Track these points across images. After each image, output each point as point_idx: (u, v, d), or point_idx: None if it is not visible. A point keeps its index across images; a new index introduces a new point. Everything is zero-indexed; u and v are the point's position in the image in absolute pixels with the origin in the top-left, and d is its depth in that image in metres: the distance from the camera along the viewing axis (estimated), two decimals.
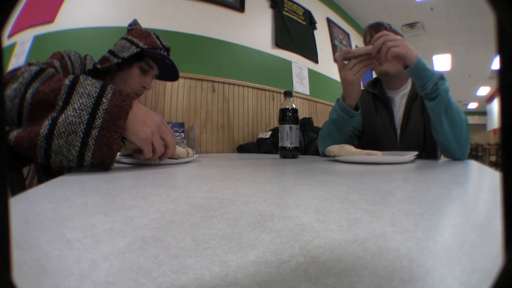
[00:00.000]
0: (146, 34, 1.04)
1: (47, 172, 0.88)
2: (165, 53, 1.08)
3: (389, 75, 1.18)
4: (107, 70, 1.01)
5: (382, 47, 0.91)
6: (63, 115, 0.58)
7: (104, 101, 0.61)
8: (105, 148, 0.60)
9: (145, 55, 1.04)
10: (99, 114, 0.59)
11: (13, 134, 0.58)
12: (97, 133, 0.59)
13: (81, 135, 0.58)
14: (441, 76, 0.89)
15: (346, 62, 1.03)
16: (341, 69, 1.03)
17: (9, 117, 0.60)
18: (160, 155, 0.71)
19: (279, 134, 1.11)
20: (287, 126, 1.08)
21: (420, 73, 0.89)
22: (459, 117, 0.92)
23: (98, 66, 0.97)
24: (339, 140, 1.14)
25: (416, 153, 0.86)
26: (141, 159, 0.71)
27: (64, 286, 0.13)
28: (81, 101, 0.59)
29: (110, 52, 1.00)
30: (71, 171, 0.87)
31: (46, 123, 0.57)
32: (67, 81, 0.61)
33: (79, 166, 0.60)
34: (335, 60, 1.06)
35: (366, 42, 1.26)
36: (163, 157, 0.73)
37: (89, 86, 0.62)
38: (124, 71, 1.03)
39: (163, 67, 1.11)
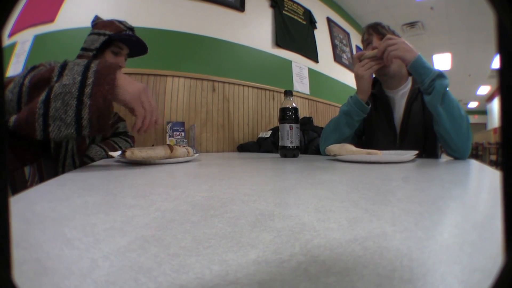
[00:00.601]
0: (109, 23, 1.16)
1: (46, 155, 0.91)
2: (130, 33, 1.20)
3: (388, 75, 1.18)
4: None
5: (385, 51, 1.01)
6: (58, 82, 0.62)
7: (93, 65, 0.65)
8: (100, 100, 0.62)
9: (114, 39, 1.13)
10: (90, 74, 0.63)
11: (13, 117, 0.61)
12: (90, 90, 0.62)
13: (76, 94, 0.61)
14: (440, 74, 0.94)
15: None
16: (355, 66, 1.14)
17: (10, 107, 0.63)
18: (146, 126, 0.73)
19: (279, 133, 1.11)
20: (287, 125, 1.08)
21: (418, 70, 0.96)
22: (459, 112, 0.94)
23: None
24: (346, 134, 1.18)
25: (416, 152, 0.86)
26: (137, 129, 0.73)
27: (65, 285, 0.13)
28: (73, 70, 0.64)
29: (83, 49, 1.10)
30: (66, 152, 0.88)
31: (43, 94, 0.60)
32: (59, 64, 0.66)
33: (78, 131, 0.61)
34: (353, 59, 1.22)
35: (363, 41, 1.26)
36: (151, 124, 0.75)
37: (78, 61, 0.67)
38: (99, 59, 1.10)
39: (133, 46, 1.21)
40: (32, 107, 0.59)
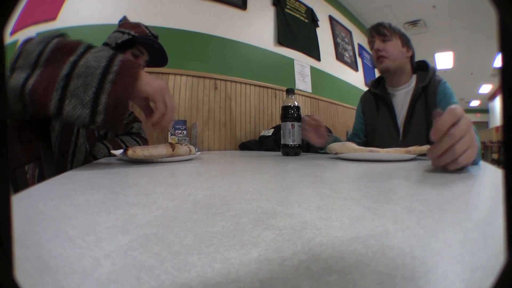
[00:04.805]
0: (136, 25, 1.16)
1: (47, 152, 0.89)
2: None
3: (390, 71, 1.17)
4: None
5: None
6: (83, 59, 0.61)
7: (119, 55, 0.65)
8: (121, 90, 0.62)
9: (136, 42, 1.12)
10: (116, 62, 0.63)
11: (31, 81, 0.60)
12: (113, 77, 0.61)
13: (99, 77, 0.60)
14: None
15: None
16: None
17: (30, 60, 0.63)
18: (163, 123, 0.74)
19: (281, 131, 1.11)
20: (289, 124, 1.08)
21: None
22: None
23: None
24: None
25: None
26: (153, 122, 0.72)
27: (66, 283, 0.13)
28: (98, 53, 0.64)
29: (105, 44, 1.10)
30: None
31: (66, 66, 0.60)
32: (86, 43, 0.67)
33: (92, 115, 0.59)
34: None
35: (369, 43, 1.27)
36: (167, 122, 0.74)
37: (104, 48, 0.68)
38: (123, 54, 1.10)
39: (153, 53, 1.19)
40: (53, 77, 0.58)
